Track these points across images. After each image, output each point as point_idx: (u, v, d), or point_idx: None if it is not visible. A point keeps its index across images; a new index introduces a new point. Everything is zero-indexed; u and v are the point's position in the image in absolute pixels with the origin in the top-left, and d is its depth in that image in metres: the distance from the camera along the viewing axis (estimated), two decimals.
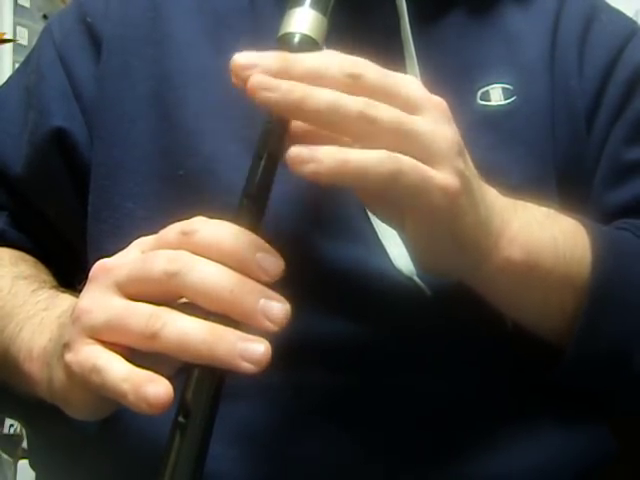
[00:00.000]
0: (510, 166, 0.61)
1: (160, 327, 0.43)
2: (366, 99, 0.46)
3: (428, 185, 0.46)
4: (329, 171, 0.44)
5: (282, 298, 0.44)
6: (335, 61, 0.47)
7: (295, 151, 0.44)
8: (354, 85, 0.46)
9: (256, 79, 0.44)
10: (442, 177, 0.47)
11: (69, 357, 0.45)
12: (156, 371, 0.47)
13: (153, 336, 0.43)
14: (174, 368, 0.47)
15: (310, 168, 0.44)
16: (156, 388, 0.42)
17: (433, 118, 0.48)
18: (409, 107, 0.47)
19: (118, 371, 0.43)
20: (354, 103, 0.45)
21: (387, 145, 0.45)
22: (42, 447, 0.66)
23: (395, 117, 0.46)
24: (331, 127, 0.46)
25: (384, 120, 0.46)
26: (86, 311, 0.45)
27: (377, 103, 0.46)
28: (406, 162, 0.45)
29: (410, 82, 0.49)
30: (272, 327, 0.43)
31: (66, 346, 0.45)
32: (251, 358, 0.43)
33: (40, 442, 0.66)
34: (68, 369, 0.45)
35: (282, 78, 0.45)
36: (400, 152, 0.46)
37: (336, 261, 0.57)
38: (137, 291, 0.45)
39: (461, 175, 0.48)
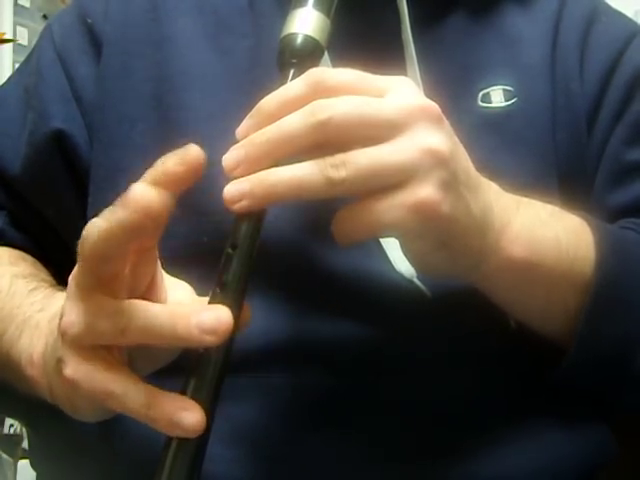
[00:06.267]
0: (511, 167, 0.61)
1: (127, 323, 0.42)
2: (326, 160, 0.46)
3: (396, 210, 0.46)
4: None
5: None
6: (298, 118, 0.46)
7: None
8: (325, 132, 0.46)
9: (229, 192, 0.46)
10: (414, 194, 0.46)
11: (69, 374, 0.44)
12: (155, 358, 0.48)
13: (123, 332, 0.42)
14: (173, 355, 0.48)
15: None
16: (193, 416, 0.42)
17: (412, 133, 0.47)
18: (388, 132, 0.47)
19: (137, 398, 0.42)
20: (316, 173, 0.45)
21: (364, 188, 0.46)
22: (43, 447, 0.66)
23: (363, 166, 0.46)
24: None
25: (353, 174, 0.45)
26: (69, 323, 0.43)
27: (339, 160, 0.45)
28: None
29: (385, 105, 0.47)
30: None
31: (61, 361, 0.44)
32: (205, 329, 0.41)
33: (41, 442, 0.66)
34: (71, 384, 0.44)
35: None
36: (376, 185, 0.46)
37: (337, 265, 0.57)
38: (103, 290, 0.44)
39: (440, 185, 0.47)
